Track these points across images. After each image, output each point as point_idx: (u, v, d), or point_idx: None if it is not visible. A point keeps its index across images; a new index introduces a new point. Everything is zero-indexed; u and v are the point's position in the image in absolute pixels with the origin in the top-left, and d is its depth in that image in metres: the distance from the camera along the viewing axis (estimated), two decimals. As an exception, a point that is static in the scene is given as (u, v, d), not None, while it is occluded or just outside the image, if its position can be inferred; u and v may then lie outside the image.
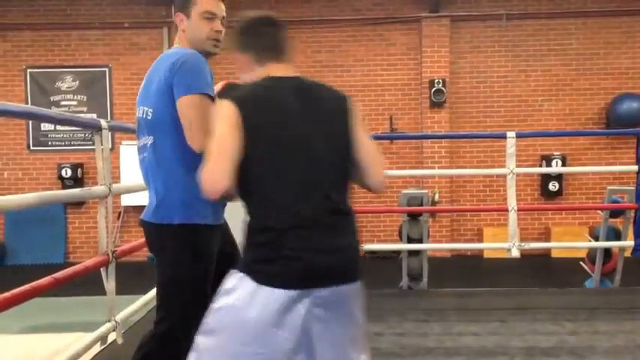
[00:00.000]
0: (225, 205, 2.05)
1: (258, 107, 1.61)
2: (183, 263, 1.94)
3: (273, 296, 1.49)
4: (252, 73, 1.72)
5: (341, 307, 1.56)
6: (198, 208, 1.92)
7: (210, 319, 1.57)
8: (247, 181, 1.57)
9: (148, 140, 1.97)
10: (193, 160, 1.89)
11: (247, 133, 1.56)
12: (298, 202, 1.56)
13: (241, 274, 1.54)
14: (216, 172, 1.53)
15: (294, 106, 1.63)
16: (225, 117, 1.58)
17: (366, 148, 1.71)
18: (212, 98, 1.91)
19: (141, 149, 2.02)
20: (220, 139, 1.57)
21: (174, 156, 1.92)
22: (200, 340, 1.59)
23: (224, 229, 2.11)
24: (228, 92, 1.99)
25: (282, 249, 1.52)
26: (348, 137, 1.67)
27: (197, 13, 2.02)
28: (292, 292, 1.49)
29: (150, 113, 1.98)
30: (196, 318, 1.90)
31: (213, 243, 1.98)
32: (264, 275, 1.51)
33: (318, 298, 1.52)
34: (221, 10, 2.05)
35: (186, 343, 1.88)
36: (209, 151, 1.58)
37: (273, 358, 1.49)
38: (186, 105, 1.88)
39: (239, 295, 1.52)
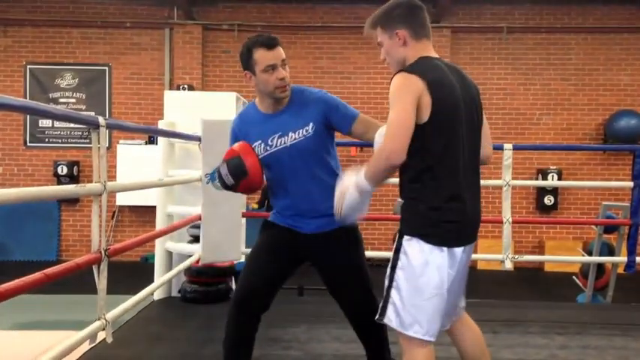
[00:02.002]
0: (319, 216, 2.36)
1: (442, 87, 1.87)
2: None
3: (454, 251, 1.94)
4: (405, 47, 1.97)
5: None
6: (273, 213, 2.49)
7: (410, 274, 1.92)
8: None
9: None
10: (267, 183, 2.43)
11: (434, 110, 1.83)
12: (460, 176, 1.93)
13: (419, 239, 1.90)
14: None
15: (457, 87, 1.92)
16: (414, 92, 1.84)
17: (486, 127, 2.11)
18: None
19: None
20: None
21: None
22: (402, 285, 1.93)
23: (328, 240, 2.36)
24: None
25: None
26: (482, 117, 2.05)
27: (260, 70, 2.24)
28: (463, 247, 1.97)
29: None
30: (241, 282, 2.36)
31: (264, 233, 2.44)
32: (447, 237, 1.91)
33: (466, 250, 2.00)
34: (279, 57, 2.25)
35: (234, 299, 2.33)
36: None
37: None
38: None
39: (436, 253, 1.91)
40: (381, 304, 1.97)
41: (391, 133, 1.80)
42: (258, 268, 2.34)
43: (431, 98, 1.83)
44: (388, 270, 1.96)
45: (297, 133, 2.29)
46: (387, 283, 1.96)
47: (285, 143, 2.29)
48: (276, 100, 2.30)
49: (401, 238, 1.95)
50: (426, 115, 1.84)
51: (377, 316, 1.98)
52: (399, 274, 1.92)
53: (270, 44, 2.23)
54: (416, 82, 1.83)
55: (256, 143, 2.30)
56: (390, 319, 1.93)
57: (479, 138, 2.03)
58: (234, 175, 2.22)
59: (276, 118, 2.31)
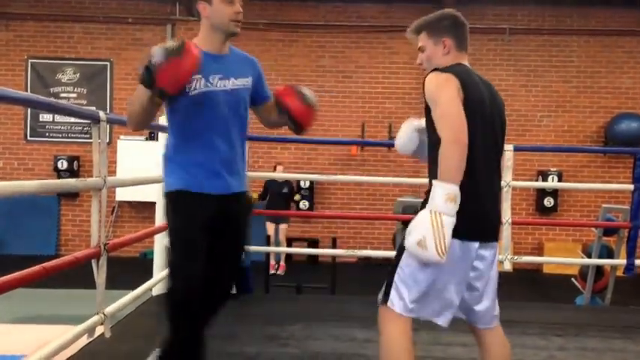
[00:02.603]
0: (234, 174, 2.25)
1: (469, 89, 1.96)
2: (170, 226, 2.23)
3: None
4: (447, 56, 2.08)
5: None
6: (178, 176, 2.22)
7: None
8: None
9: None
10: (175, 137, 2.25)
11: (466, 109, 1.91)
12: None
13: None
14: None
15: (484, 93, 2.03)
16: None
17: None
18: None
19: None
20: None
21: (169, 134, 2.29)
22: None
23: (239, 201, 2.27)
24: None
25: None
26: (505, 126, 2.14)
27: (219, 0, 2.19)
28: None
29: None
30: (185, 274, 2.14)
31: (193, 207, 2.18)
32: (460, 229, 1.90)
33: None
34: None
35: (181, 297, 2.14)
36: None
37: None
38: None
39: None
40: (384, 288, 1.99)
41: (448, 121, 1.86)
42: (194, 263, 2.14)
43: (464, 95, 1.92)
44: (396, 252, 2.00)
45: (238, 80, 2.24)
46: (391, 268, 1.99)
47: (225, 87, 2.21)
48: (225, 38, 2.23)
49: None
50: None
51: (380, 300, 2.00)
52: (405, 259, 1.95)
53: None
54: (453, 79, 1.93)
55: (196, 77, 2.14)
56: (393, 302, 1.96)
57: (500, 145, 2.09)
58: (166, 52, 1.98)
59: (219, 59, 2.22)
